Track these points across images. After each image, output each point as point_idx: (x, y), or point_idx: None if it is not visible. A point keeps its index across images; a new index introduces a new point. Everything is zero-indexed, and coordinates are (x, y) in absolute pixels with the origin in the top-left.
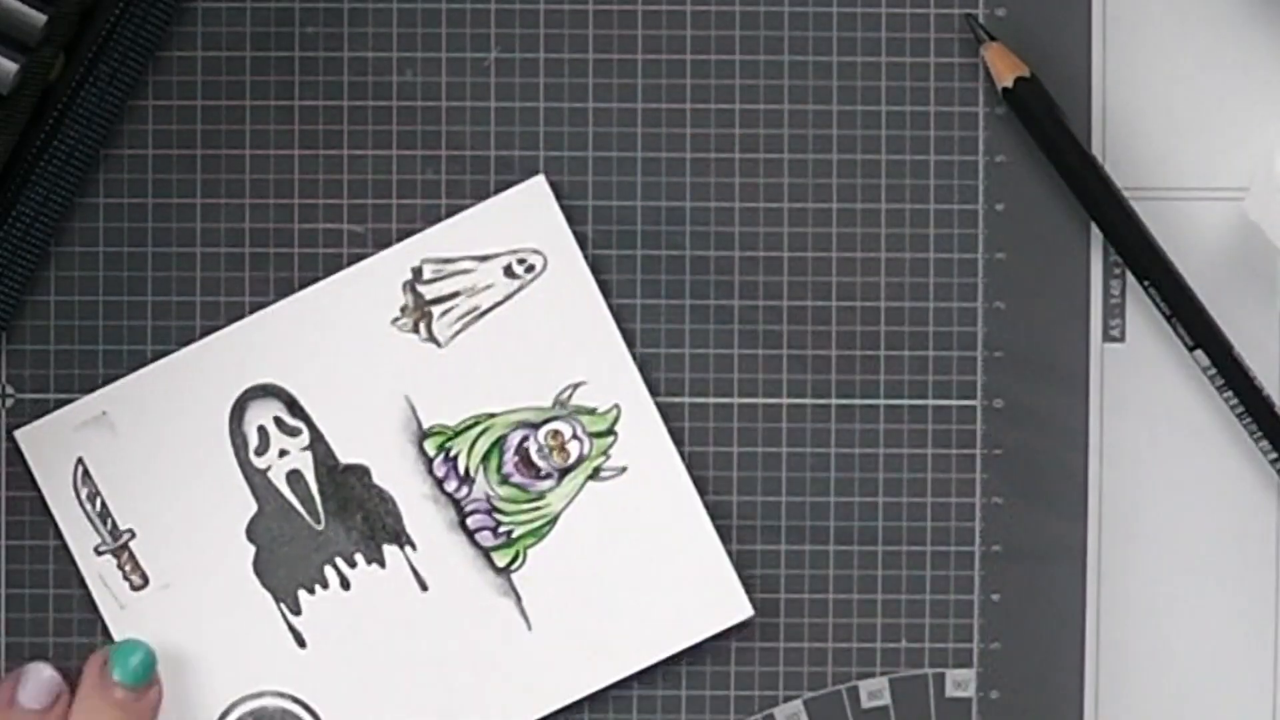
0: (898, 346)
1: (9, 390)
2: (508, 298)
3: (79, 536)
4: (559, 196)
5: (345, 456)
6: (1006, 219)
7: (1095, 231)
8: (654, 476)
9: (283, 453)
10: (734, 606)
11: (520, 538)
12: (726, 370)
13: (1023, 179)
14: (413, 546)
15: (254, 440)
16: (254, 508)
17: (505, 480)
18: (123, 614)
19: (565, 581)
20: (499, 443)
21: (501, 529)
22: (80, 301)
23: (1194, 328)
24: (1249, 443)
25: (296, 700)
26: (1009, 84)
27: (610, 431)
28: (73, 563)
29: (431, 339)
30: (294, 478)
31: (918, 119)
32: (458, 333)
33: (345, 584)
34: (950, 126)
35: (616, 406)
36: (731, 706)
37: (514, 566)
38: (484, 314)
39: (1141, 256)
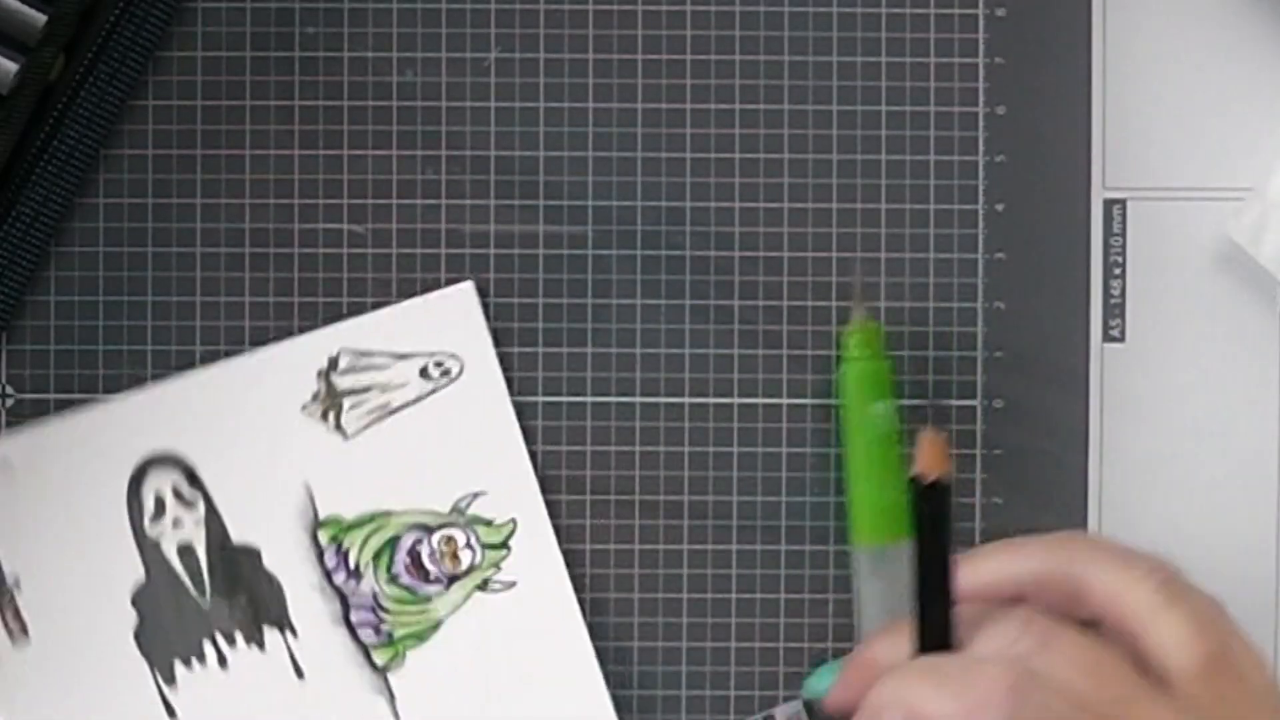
0: (898, 347)
1: (9, 390)
2: (419, 399)
3: None
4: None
5: (239, 536)
6: (1006, 219)
7: (1095, 231)
8: (542, 595)
9: (176, 523)
10: None
11: (402, 638)
12: (726, 370)
13: (1023, 178)
14: (294, 633)
15: (150, 507)
16: (142, 575)
17: (394, 580)
18: None
19: (441, 687)
20: (392, 542)
21: (384, 627)
22: (80, 301)
23: None
24: (1249, 443)
25: None
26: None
27: (504, 545)
28: None
29: (339, 429)
30: (185, 551)
31: (918, 119)
32: (365, 426)
33: (223, 662)
34: (950, 126)
35: (514, 521)
36: (731, 706)
37: (392, 666)
38: (394, 411)
39: None
